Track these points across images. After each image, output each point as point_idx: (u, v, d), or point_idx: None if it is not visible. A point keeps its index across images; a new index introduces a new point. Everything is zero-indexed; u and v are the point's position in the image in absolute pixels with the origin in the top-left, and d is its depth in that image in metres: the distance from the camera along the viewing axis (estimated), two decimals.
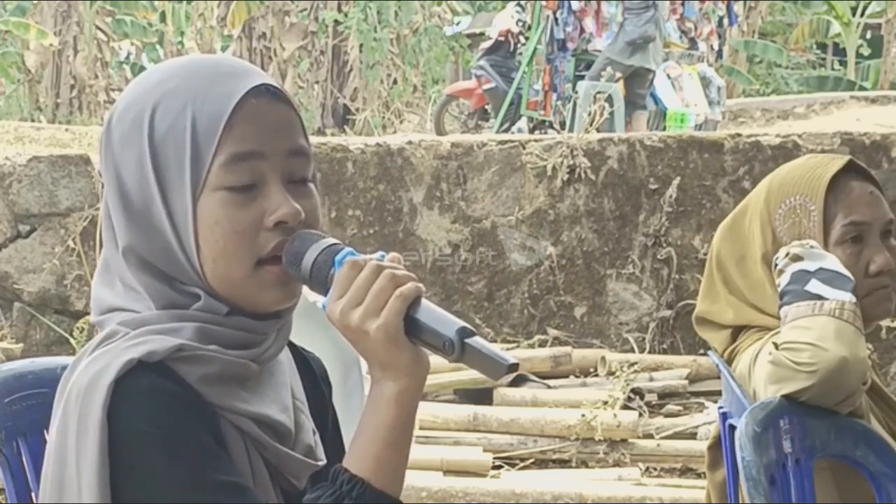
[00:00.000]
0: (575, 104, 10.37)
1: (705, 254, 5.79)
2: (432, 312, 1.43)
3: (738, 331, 2.52)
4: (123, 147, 1.50)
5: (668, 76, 11.30)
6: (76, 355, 1.51)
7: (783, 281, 2.38)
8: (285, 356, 1.60)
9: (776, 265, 2.42)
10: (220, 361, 1.46)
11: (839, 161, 2.51)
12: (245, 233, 1.47)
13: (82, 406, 1.41)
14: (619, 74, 10.33)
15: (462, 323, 1.41)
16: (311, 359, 1.69)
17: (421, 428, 5.40)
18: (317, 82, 17.34)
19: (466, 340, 1.40)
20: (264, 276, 1.48)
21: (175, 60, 1.56)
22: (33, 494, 1.78)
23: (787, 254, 2.40)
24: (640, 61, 10.67)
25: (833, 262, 2.38)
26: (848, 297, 2.32)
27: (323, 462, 1.56)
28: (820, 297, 2.31)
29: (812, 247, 2.40)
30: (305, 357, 1.68)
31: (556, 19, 11.39)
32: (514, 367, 1.39)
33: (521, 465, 5.43)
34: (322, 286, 1.46)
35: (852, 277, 2.36)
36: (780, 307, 2.37)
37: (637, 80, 10.77)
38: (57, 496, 1.44)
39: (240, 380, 1.49)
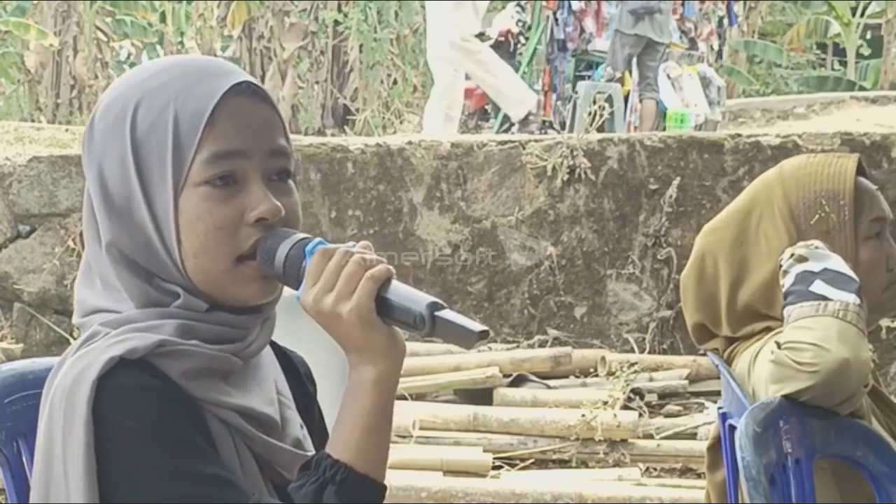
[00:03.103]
0: (575, 104, 10.36)
1: None
2: (403, 291, 1.45)
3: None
4: (106, 143, 1.52)
5: (668, 76, 11.28)
6: (59, 358, 1.53)
7: (787, 281, 2.38)
8: (269, 355, 1.62)
9: (780, 266, 2.42)
10: (202, 356, 1.48)
11: (853, 158, 2.52)
12: (226, 228, 1.49)
13: (67, 405, 1.43)
14: (622, 67, 10.30)
15: (432, 298, 1.43)
16: (294, 358, 1.72)
17: (421, 428, 5.40)
18: (317, 82, 17.32)
19: (436, 314, 1.42)
20: (244, 271, 1.50)
21: (160, 60, 1.58)
22: None
23: (792, 254, 2.40)
24: (646, 31, 10.48)
25: (838, 263, 2.38)
26: (852, 298, 2.32)
27: (312, 453, 1.58)
28: (824, 298, 2.31)
29: (817, 247, 2.40)
30: (289, 356, 1.71)
31: (556, 19, 11.38)
32: (484, 333, 1.42)
33: (521, 465, 5.43)
34: (296, 280, 1.48)
35: (857, 279, 2.36)
36: (784, 307, 2.37)
37: (648, 53, 10.61)
38: (44, 494, 1.46)
39: (223, 374, 1.51)
